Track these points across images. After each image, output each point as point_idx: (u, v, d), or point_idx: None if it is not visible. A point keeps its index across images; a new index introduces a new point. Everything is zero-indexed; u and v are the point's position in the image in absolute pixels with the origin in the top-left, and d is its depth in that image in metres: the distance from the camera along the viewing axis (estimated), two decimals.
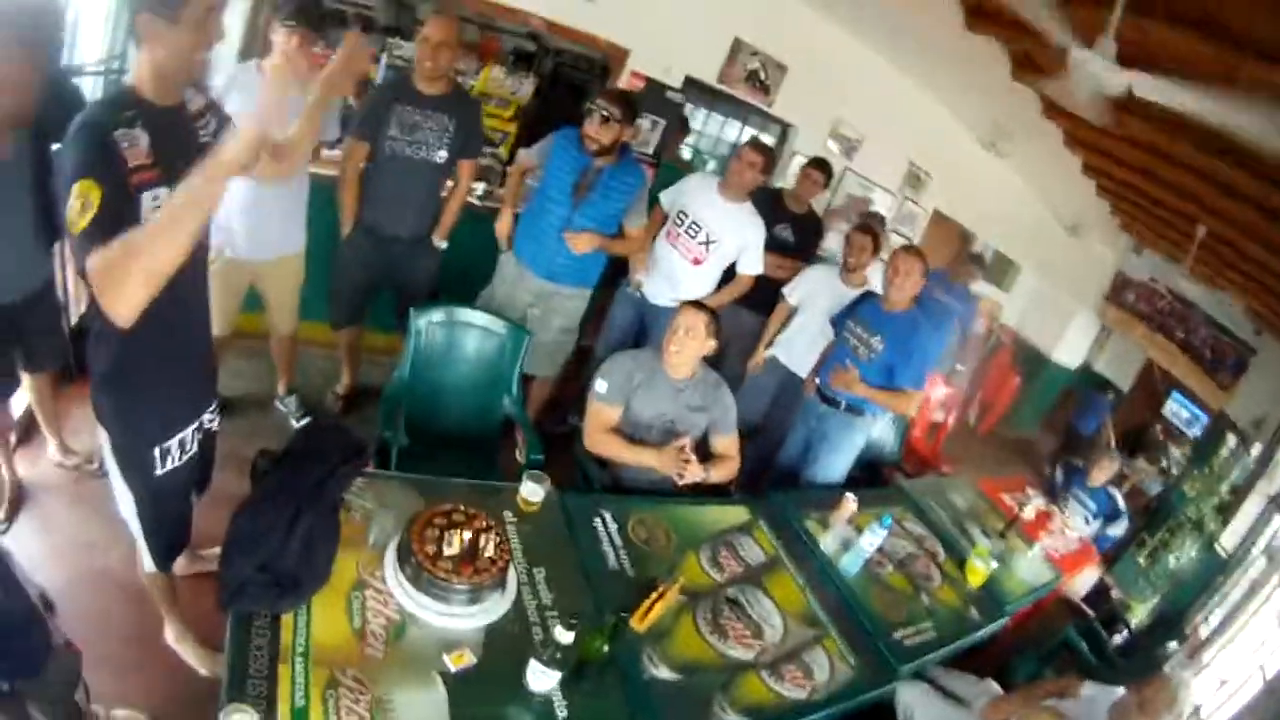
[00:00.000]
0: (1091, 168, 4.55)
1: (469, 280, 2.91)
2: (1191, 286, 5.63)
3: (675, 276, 3.07)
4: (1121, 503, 4.15)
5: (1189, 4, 1.99)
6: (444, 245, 2.89)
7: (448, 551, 1.52)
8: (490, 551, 1.55)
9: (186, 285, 1.39)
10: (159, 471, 1.57)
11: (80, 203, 1.18)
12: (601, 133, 2.62)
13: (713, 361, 2.51)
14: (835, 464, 2.99)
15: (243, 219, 2.45)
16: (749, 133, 4.81)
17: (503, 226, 2.89)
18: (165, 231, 1.13)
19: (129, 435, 1.53)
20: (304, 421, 2.98)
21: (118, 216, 1.19)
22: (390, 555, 1.56)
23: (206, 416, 1.70)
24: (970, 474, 3.93)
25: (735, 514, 2.33)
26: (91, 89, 2.63)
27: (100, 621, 1.93)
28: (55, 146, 1.66)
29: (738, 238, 3.03)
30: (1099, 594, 4.19)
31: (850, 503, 2.44)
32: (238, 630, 1.31)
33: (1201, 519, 5.10)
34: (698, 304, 2.42)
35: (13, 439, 2.31)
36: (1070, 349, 6.82)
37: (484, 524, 1.61)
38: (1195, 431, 6.22)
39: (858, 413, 2.95)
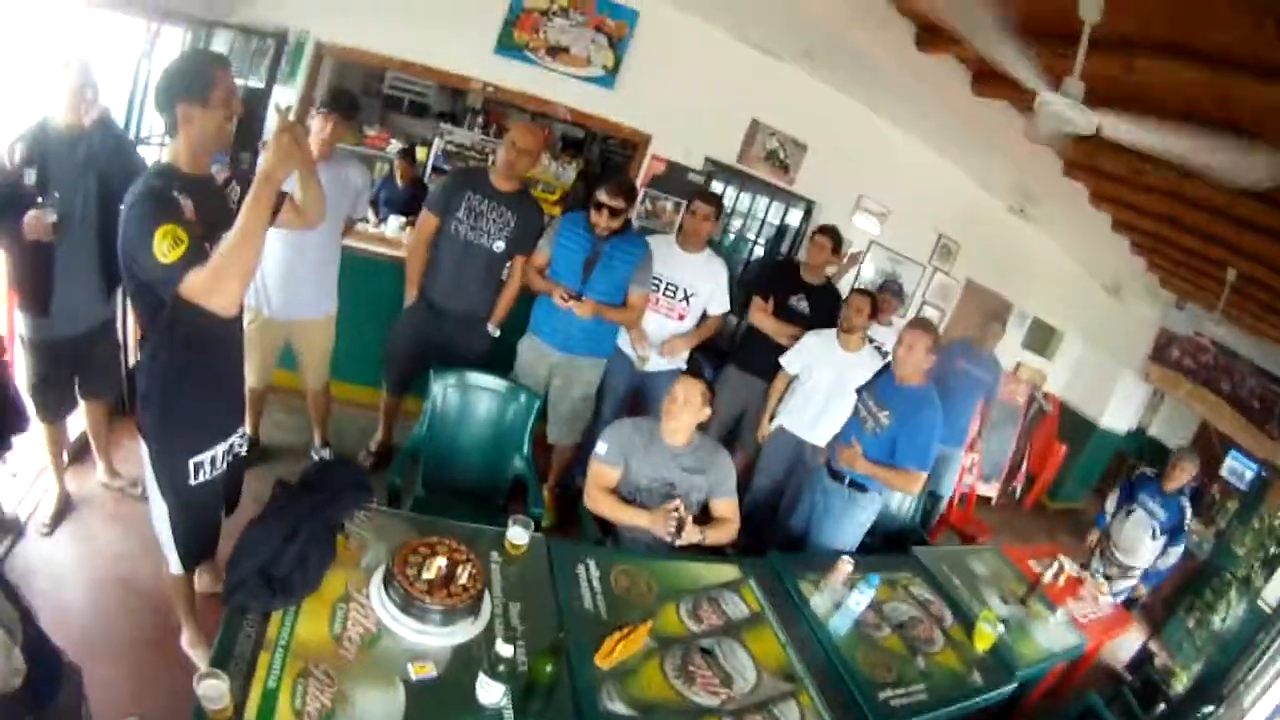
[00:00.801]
0: (1120, 223, 4.50)
1: (508, 359, 3.11)
2: (1235, 337, 5.44)
3: (665, 337, 3.23)
4: (1189, 517, 3.94)
5: (1163, 30, 2.03)
6: (497, 333, 3.09)
7: (425, 575, 1.66)
8: (464, 579, 1.68)
9: (218, 325, 1.62)
10: (192, 482, 1.79)
11: (171, 241, 1.48)
12: (610, 223, 2.88)
13: (727, 429, 2.61)
14: (839, 538, 2.97)
15: (276, 281, 2.74)
16: (777, 209, 4.93)
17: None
18: (243, 239, 1.48)
19: (168, 447, 1.76)
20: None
21: (200, 251, 1.51)
22: (377, 576, 1.72)
23: (236, 439, 1.92)
24: (1015, 544, 3.86)
25: (725, 571, 2.36)
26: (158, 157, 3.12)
27: (121, 624, 2.15)
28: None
29: (709, 283, 3.22)
30: (1143, 660, 3.94)
31: (846, 564, 2.44)
32: (232, 619, 1.50)
33: (1249, 575, 4.78)
34: (693, 374, 2.54)
35: (66, 456, 2.60)
36: (1119, 413, 6.56)
37: (462, 556, 1.74)
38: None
39: (862, 489, 2.93)
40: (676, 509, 2.31)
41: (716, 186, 4.47)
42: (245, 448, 2.00)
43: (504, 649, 1.46)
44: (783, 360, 3.47)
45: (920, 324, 2.94)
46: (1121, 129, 2.00)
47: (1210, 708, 3.77)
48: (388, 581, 1.67)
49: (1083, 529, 6.28)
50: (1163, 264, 5.09)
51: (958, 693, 2.25)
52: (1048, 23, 2.08)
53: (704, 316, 3.33)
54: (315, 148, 2.62)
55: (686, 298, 3.21)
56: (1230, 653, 4.46)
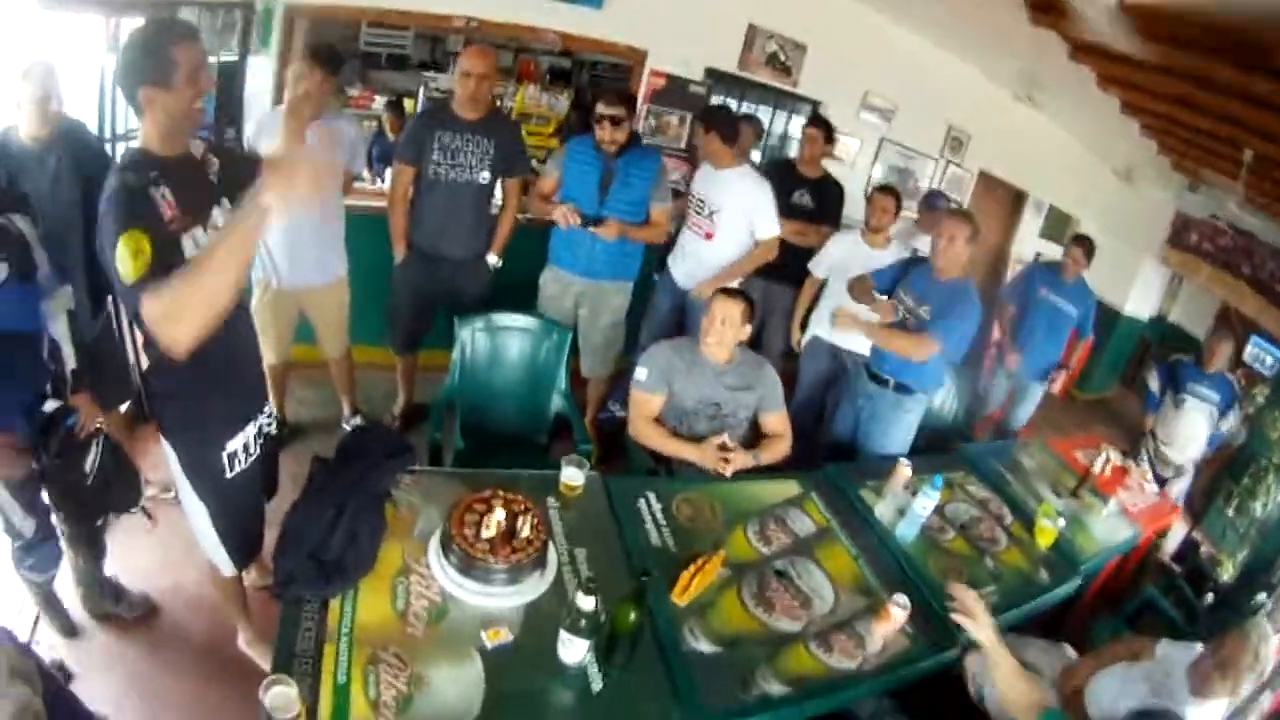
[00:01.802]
0: (1130, 105, 4.32)
1: (521, 293, 3.00)
2: (1253, 219, 5.29)
3: (698, 256, 3.11)
4: (1239, 386, 3.94)
5: None
6: (498, 263, 2.98)
7: (485, 534, 1.57)
8: (527, 532, 1.60)
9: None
10: (229, 474, 1.69)
11: (132, 252, 1.30)
12: (615, 134, 2.73)
13: (752, 338, 2.51)
14: (889, 443, 2.88)
15: (282, 251, 2.62)
16: (781, 119, 4.81)
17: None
18: (217, 268, 1.29)
19: (197, 444, 1.65)
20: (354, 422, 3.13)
21: (167, 262, 1.32)
22: (434, 542, 1.63)
23: (264, 419, 1.81)
24: (1052, 434, 3.81)
25: (785, 488, 2.31)
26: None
27: (174, 634, 2.10)
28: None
29: (740, 200, 3.02)
30: (1189, 550, 3.94)
31: (905, 468, 2.37)
32: (288, 614, 1.41)
33: None
34: (732, 291, 2.44)
35: None
36: (1141, 300, 6.46)
37: (521, 506, 1.66)
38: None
39: (907, 391, 2.83)
40: (724, 443, 2.26)
41: (717, 98, 4.30)
42: (274, 426, 1.91)
43: (584, 601, 1.37)
44: (810, 265, 3.39)
45: (958, 214, 2.83)
46: None
47: (1262, 595, 3.80)
48: (446, 546, 1.59)
49: (1115, 418, 6.32)
50: (1175, 146, 4.94)
51: (1027, 591, 2.22)
52: None
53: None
54: (303, 105, 2.44)
55: (711, 214, 3.06)
56: (1274, 540, 4.42)
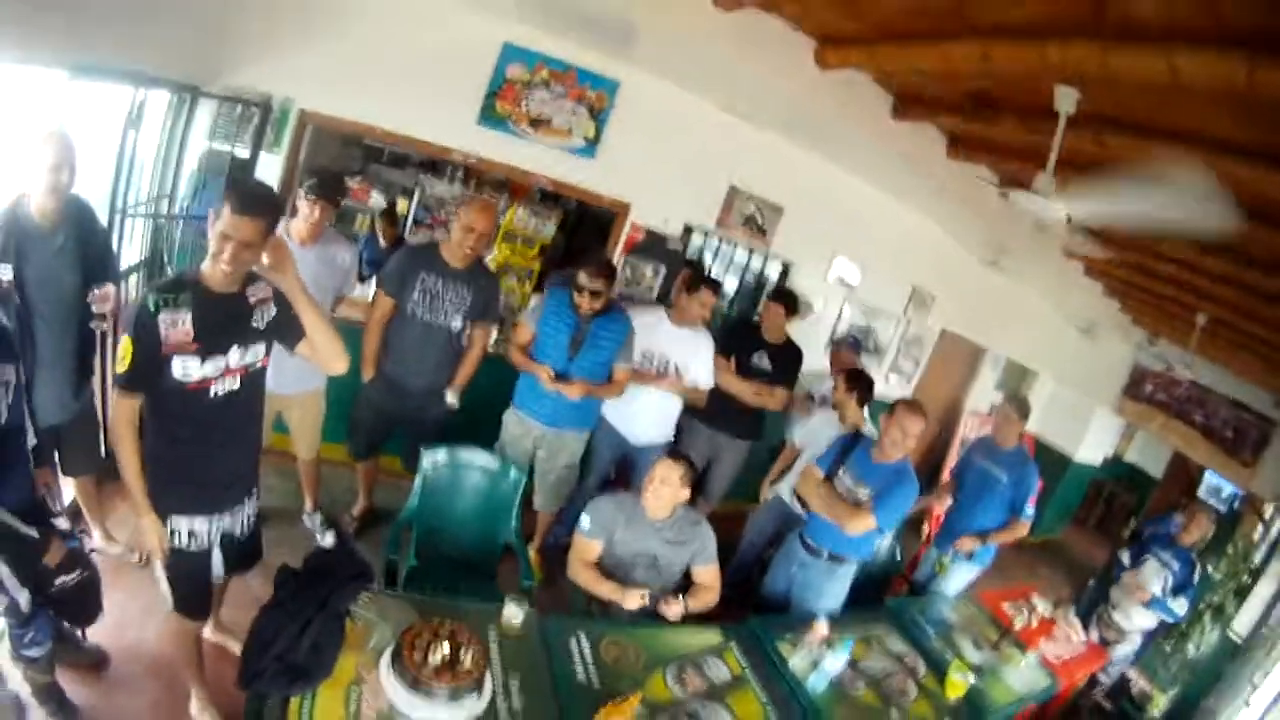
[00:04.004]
0: (1094, 270, 4.72)
1: (479, 422, 3.16)
2: (1208, 370, 5.60)
3: (647, 404, 3.35)
4: (1196, 576, 3.93)
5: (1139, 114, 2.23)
6: (455, 403, 3.11)
7: (432, 660, 1.78)
8: (468, 663, 1.80)
9: (200, 408, 1.83)
10: (173, 544, 1.93)
11: (121, 354, 1.72)
12: (593, 304, 2.97)
13: (698, 478, 2.75)
14: (821, 606, 2.96)
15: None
16: (757, 262, 4.99)
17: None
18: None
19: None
20: (327, 536, 3.29)
21: (145, 375, 1.76)
22: (385, 659, 1.83)
23: (228, 520, 2.05)
24: (992, 579, 3.95)
25: (707, 637, 2.47)
26: (142, 230, 3.15)
27: (132, 690, 2.26)
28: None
29: (697, 358, 3.35)
30: (1122, 685, 4.04)
31: (821, 626, 2.55)
32: (252, 708, 1.64)
33: (1224, 603, 4.88)
34: (675, 455, 2.65)
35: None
36: (1093, 447, 6.77)
37: (465, 638, 1.86)
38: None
39: (839, 560, 3.01)
40: (643, 595, 2.45)
41: (696, 240, 4.56)
42: (242, 527, 2.11)
43: None
44: (792, 433, 3.67)
45: (912, 408, 2.95)
46: (1086, 213, 2.21)
47: None
48: (396, 664, 1.79)
49: (1062, 559, 6.49)
50: (1134, 306, 5.31)
51: None
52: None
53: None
54: (305, 230, 2.74)
55: (678, 373, 3.33)
56: (1203, 681, 4.57)
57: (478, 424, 3.14)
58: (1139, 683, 4.36)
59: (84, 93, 2.56)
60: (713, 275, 4.05)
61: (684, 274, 3.95)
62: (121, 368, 1.74)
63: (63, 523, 1.95)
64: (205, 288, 1.80)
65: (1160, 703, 4.35)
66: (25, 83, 2.33)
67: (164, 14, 2.59)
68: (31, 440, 1.92)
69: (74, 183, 2.13)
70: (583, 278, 2.95)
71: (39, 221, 2.12)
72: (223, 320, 1.83)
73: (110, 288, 2.35)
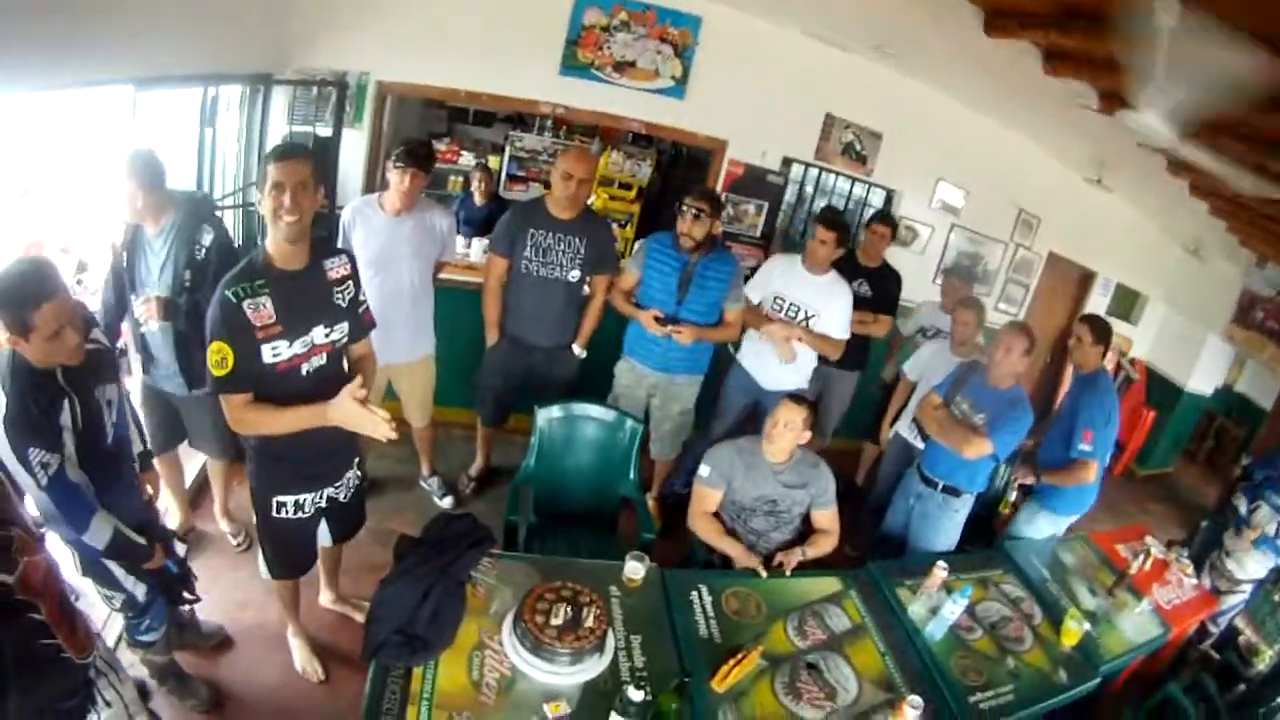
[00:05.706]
0: (1198, 188, 4.36)
1: (591, 375, 3.17)
2: None
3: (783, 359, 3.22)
4: None
5: None
6: (583, 354, 3.12)
7: (554, 621, 1.83)
8: (590, 622, 1.85)
9: (294, 395, 1.88)
10: (274, 515, 2.10)
11: (218, 359, 1.72)
12: (694, 228, 2.87)
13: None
14: (936, 542, 3.00)
15: (376, 331, 2.88)
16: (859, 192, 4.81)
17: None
18: (270, 427, 1.85)
19: (255, 484, 2.09)
20: (446, 499, 3.37)
21: (248, 370, 1.75)
22: (507, 622, 1.90)
23: (330, 491, 2.16)
24: (1104, 516, 3.84)
25: (827, 584, 2.47)
26: (232, 220, 3.25)
27: (251, 668, 2.42)
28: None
29: (832, 304, 3.17)
30: (1229, 637, 3.85)
31: (940, 571, 2.51)
32: (377, 678, 1.70)
33: None
34: (797, 398, 2.61)
35: (187, 486, 2.88)
36: (1204, 377, 6.32)
37: (586, 598, 1.91)
38: None
39: (954, 493, 2.98)
40: (764, 559, 2.47)
41: (796, 172, 4.41)
42: (344, 495, 2.22)
43: (634, 694, 1.61)
44: (904, 367, 3.57)
45: (1018, 327, 2.91)
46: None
47: None
48: (518, 628, 1.85)
49: (1174, 495, 6.17)
50: (1242, 227, 4.93)
51: (1042, 692, 2.32)
52: None
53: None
54: (399, 200, 2.74)
55: (807, 319, 3.18)
56: None
57: (590, 377, 3.16)
58: (1247, 633, 4.12)
59: (156, 101, 2.62)
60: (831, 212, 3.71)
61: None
62: (223, 371, 1.73)
63: (167, 522, 2.17)
64: (278, 269, 1.80)
65: (1266, 657, 4.12)
66: (99, 101, 2.42)
67: (220, 19, 2.63)
68: (138, 447, 2.07)
69: (170, 188, 2.29)
70: (687, 200, 2.88)
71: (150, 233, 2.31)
72: (303, 300, 1.86)
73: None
